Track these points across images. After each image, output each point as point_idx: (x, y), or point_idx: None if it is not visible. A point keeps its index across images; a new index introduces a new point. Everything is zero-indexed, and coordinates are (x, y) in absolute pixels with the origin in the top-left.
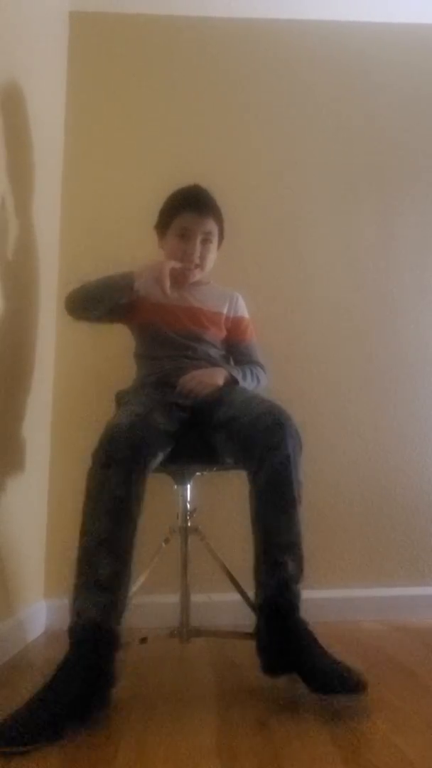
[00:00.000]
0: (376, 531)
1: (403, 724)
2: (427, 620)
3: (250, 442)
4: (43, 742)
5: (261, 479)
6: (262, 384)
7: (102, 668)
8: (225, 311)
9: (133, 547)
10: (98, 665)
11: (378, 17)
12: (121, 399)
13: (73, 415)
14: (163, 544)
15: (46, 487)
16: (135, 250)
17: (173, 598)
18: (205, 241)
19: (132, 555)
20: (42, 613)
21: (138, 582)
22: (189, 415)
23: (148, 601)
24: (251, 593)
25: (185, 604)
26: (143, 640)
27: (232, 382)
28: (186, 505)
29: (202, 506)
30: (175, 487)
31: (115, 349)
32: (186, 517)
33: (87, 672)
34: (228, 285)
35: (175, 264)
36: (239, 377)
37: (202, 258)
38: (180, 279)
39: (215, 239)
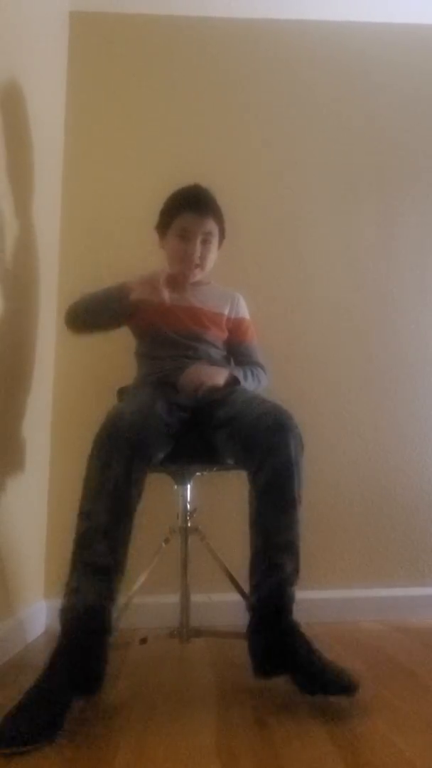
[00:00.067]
0: (376, 531)
1: (403, 724)
2: (427, 620)
3: (251, 442)
4: (43, 738)
5: (261, 479)
6: (263, 385)
7: (96, 655)
8: (226, 312)
9: (130, 533)
10: (92, 649)
11: (378, 17)
12: (123, 396)
13: (73, 415)
14: (163, 544)
15: (46, 487)
16: (135, 249)
17: (173, 598)
18: (206, 241)
19: (128, 541)
20: (42, 613)
21: (138, 582)
22: (189, 415)
23: (148, 601)
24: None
25: (185, 604)
26: (143, 640)
27: (232, 382)
28: (186, 505)
29: (202, 506)
30: (175, 487)
31: (115, 349)
32: (186, 517)
33: (81, 656)
34: (228, 285)
35: (170, 271)
36: (240, 377)
37: (203, 258)
38: (179, 283)
39: (215, 239)
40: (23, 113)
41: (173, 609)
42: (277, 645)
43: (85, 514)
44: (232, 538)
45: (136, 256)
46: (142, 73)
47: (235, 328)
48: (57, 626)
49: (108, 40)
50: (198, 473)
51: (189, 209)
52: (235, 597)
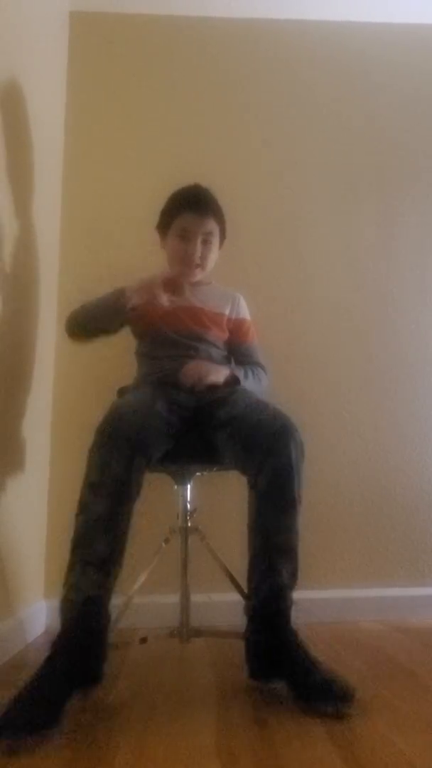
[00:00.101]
0: (376, 531)
1: (403, 724)
2: (427, 620)
3: (252, 445)
4: (43, 728)
5: (261, 483)
6: (264, 385)
7: (95, 647)
8: (227, 312)
9: (128, 527)
10: (91, 641)
11: (378, 17)
12: (123, 394)
13: (73, 415)
14: (163, 544)
15: (46, 487)
16: (135, 249)
17: (173, 598)
18: (206, 241)
19: (127, 535)
20: (42, 613)
21: (138, 582)
22: (190, 414)
23: (148, 601)
24: (247, 590)
25: (185, 604)
26: (143, 640)
27: (233, 381)
28: (186, 505)
29: (202, 506)
30: (175, 487)
31: (115, 349)
32: (186, 517)
33: (80, 649)
34: (228, 285)
35: (168, 274)
36: (241, 376)
37: (203, 258)
38: (177, 286)
39: (216, 239)
40: (23, 113)
41: (173, 609)
42: (273, 652)
43: (84, 508)
44: (232, 538)
45: (136, 256)
46: (142, 73)
47: (236, 329)
48: (57, 626)
49: (108, 40)
50: (198, 473)
51: (189, 209)
52: (235, 597)
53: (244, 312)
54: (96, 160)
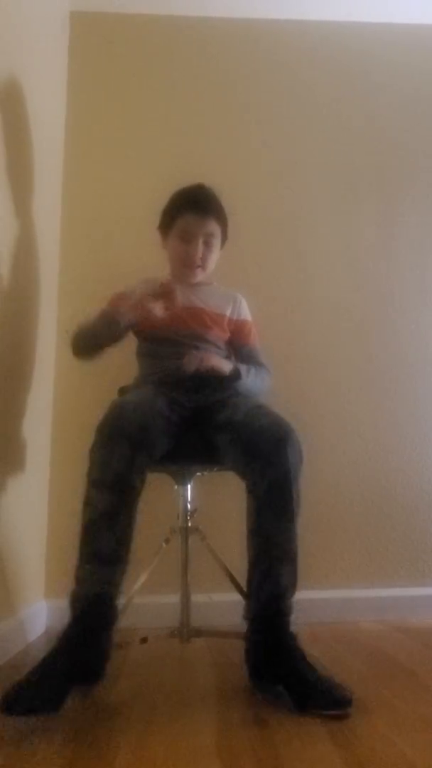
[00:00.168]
0: (376, 531)
1: (403, 724)
2: (427, 620)
3: (252, 452)
4: (44, 712)
5: (260, 490)
6: (266, 386)
7: (99, 639)
8: (228, 313)
9: (133, 521)
10: (95, 636)
11: (378, 18)
12: (123, 393)
13: (73, 415)
14: (164, 544)
15: (46, 487)
16: (135, 250)
17: (173, 598)
18: (207, 242)
19: (132, 529)
20: (42, 613)
21: (138, 582)
22: (190, 414)
23: (149, 601)
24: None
25: (185, 604)
26: (143, 640)
27: (235, 376)
28: (186, 505)
29: (202, 506)
30: (176, 487)
31: (115, 349)
32: (186, 517)
33: (85, 644)
34: (228, 285)
35: (156, 284)
36: (243, 373)
37: (204, 259)
38: (169, 293)
39: (218, 240)
40: (23, 113)
41: (173, 609)
42: (272, 657)
43: (88, 504)
44: (233, 538)
45: (137, 256)
46: (142, 73)
47: (238, 330)
48: (57, 626)
49: (108, 40)
50: (198, 473)
51: (191, 210)
52: (235, 597)
53: (246, 313)
54: (96, 160)
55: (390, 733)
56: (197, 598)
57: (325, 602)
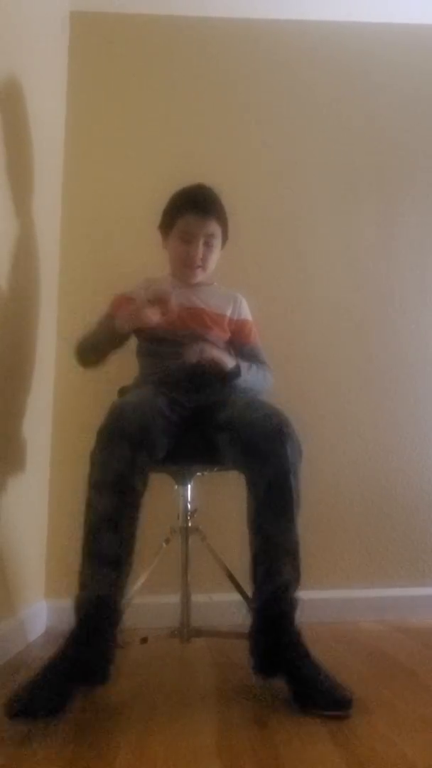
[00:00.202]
0: (376, 531)
1: (403, 724)
2: (427, 620)
3: (249, 449)
4: (47, 715)
5: (259, 486)
6: (268, 384)
7: (105, 642)
8: (228, 313)
9: (136, 522)
10: (101, 639)
11: (378, 18)
12: (123, 394)
13: (73, 415)
14: (164, 544)
15: (46, 487)
16: (135, 249)
17: (174, 598)
18: (208, 243)
19: (135, 530)
20: (42, 613)
21: (138, 582)
22: (190, 414)
23: (149, 601)
24: (252, 594)
25: (186, 604)
26: (144, 640)
27: (235, 373)
28: (186, 505)
29: (202, 506)
30: (176, 487)
31: None
32: (186, 517)
33: (90, 647)
34: (228, 285)
35: (151, 292)
36: (244, 369)
37: (205, 260)
38: (164, 301)
39: (218, 241)
40: (23, 113)
41: (173, 609)
42: (275, 652)
43: (90, 507)
44: (233, 538)
45: (137, 256)
46: (142, 73)
47: (238, 330)
48: (57, 626)
49: (108, 40)
50: (198, 473)
51: (191, 210)
52: (235, 597)
53: (246, 313)
54: (96, 160)
55: (390, 733)
56: (197, 598)
57: (325, 602)
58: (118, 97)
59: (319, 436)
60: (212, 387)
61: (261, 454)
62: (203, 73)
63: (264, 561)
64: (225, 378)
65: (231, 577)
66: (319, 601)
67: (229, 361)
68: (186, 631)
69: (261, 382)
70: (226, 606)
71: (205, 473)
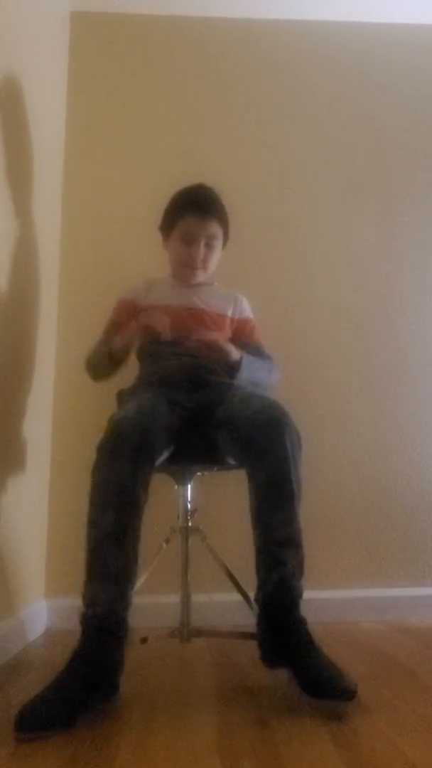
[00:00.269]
0: (376, 531)
1: (404, 724)
2: (427, 620)
3: (248, 441)
4: (57, 729)
5: (259, 477)
6: (275, 377)
7: (112, 657)
8: (229, 313)
9: (139, 537)
10: (108, 654)
11: (378, 18)
12: (122, 397)
13: (73, 415)
14: (164, 544)
15: (46, 487)
16: (136, 250)
17: (174, 598)
18: (209, 244)
19: (138, 545)
20: (42, 613)
21: (139, 582)
22: (190, 414)
23: (149, 601)
24: (251, 593)
25: (186, 604)
26: (144, 640)
27: (239, 364)
28: (187, 505)
29: (202, 506)
30: (176, 487)
31: None
32: (187, 517)
33: (98, 661)
34: (228, 285)
35: (146, 325)
36: (245, 360)
37: (205, 261)
38: (156, 334)
39: (219, 242)
40: (23, 113)
41: (174, 609)
42: (282, 642)
43: (94, 523)
44: (233, 538)
45: (137, 256)
46: (143, 73)
47: (241, 329)
48: (57, 626)
49: (108, 40)
50: (198, 473)
51: (192, 212)
52: (235, 597)
53: (247, 311)
54: (96, 160)
55: (390, 733)
56: (197, 598)
57: (325, 602)
58: (118, 97)
59: (319, 436)
60: (211, 386)
61: (260, 446)
62: (203, 73)
63: (266, 553)
64: (230, 369)
65: (231, 577)
66: (319, 601)
67: (234, 352)
68: (186, 631)
69: (267, 376)
70: (226, 606)
71: (205, 473)
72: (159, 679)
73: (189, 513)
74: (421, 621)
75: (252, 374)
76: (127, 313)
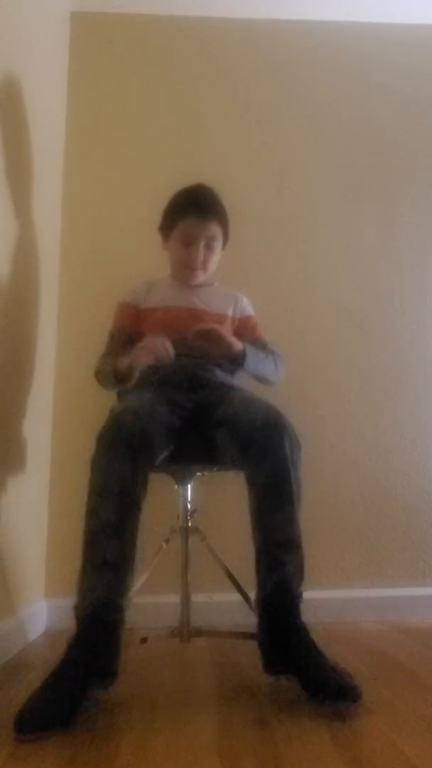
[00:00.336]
0: (376, 531)
1: (403, 724)
2: (427, 620)
3: (247, 444)
4: (59, 726)
5: (258, 479)
6: (279, 370)
7: (109, 644)
8: (230, 313)
9: (137, 527)
10: (105, 641)
11: (378, 18)
12: (122, 395)
13: (73, 416)
14: (164, 544)
15: (46, 487)
16: (136, 250)
17: (174, 598)
18: (209, 246)
19: (136, 537)
20: (42, 613)
21: (138, 582)
22: (190, 414)
23: (149, 601)
24: (251, 593)
25: (186, 604)
26: (144, 640)
27: (242, 356)
28: (186, 505)
29: (202, 506)
30: (176, 487)
31: None
32: (186, 517)
33: (95, 649)
34: (228, 285)
35: (151, 349)
36: (251, 352)
37: (205, 262)
38: (161, 357)
39: (219, 243)
40: (23, 113)
41: (173, 609)
42: (284, 645)
43: (92, 513)
44: (233, 538)
45: (137, 256)
46: (143, 73)
47: (242, 327)
48: (57, 626)
49: (108, 40)
50: (198, 473)
51: (192, 213)
52: (235, 597)
53: (249, 310)
54: (96, 160)
55: (390, 733)
56: (197, 598)
57: (325, 602)
58: (118, 97)
59: (319, 436)
60: (211, 387)
61: (259, 449)
62: (203, 73)
63: (265, 555)
64: (233, 361)
65: (231, 577)
66: (319, 601)
67: (235, 342)
68: (186, 631)
69: (271, 369)
70: (226, 606)
71: (205, 473)
72: (159, 679)
73: (189, 513)
74: (421, 621)
75: (257, 367)
76: (130, 316)
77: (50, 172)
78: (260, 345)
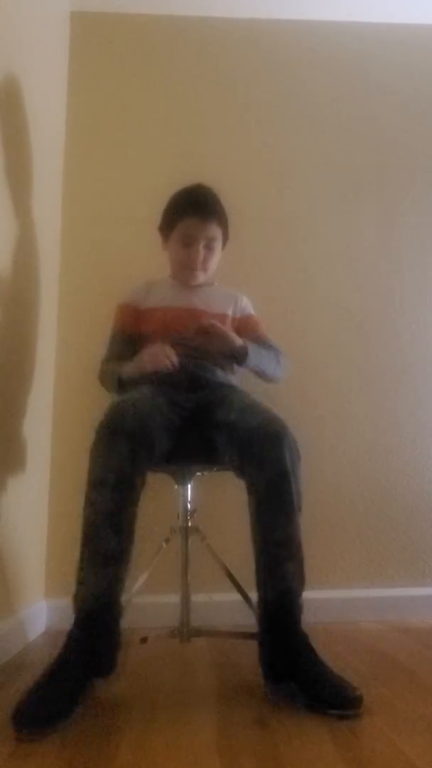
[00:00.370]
0: (376, 531)
1: (403, 724)
2: (427, 620)
3: (247, 454)
4: (59, 720)
5: (259, 490)
6: (282, 366)
7: (108, 635)
8: (230, 312)
9: (134, 518)
10: (104, 634)
11: (378, 18)
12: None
13: (73, 416)
14: (164, 544)
15: (46, 487)
16: (136, 250)
17: (174, 598)
18: (209, 246)
19: (133, 527)
20: (42, 613)
21: (138, 582)
22: (189, 414)
23: (149, 601)
24: (252, 593)
25: (185, 604)
26: (143, 640)
27: (243, 352)
28: (186, 505)
29: (202, 506)
30: (176, 487)
31: None
32: (186, 517)
33: (94, 643)
34: (228, 285)
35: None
36: (253, 348)
37: (205, 262)
38: (163, 366)
39: (219, 243)
40: (23, 113)
41: (173, 609)
42: (284, 656)
43: (89, 505)
44: (233, 538)
45: (137, 257)
46: (143, 73)
47: (244, 325)
48: (57, 626)
49: (108, 40)
50: (198, 473)
51: (192, 214)
52: (235, 597)
53: (249, 309)
54: (96, 160)
55: (390, 733)
56: (197, 598)
57: (325, 602)
58: (118, 97)
59: (319, 436)
60: (211, 387)
61: (259, 457)
62: (203, 73)
63: (266, 564)
64: (233, 357)
65: (231, 577)
66: (319, 601)
67: (236, 338)
68: (186, 631)
69: (274, 365)
70: (226, 606)
71: (205, 473)
72: (159, 679)
73: (189, 513)
74: (421, 621)
75: (259, 362)
76: (131, 317)
77: (50, 172)
78: (263, 342)
